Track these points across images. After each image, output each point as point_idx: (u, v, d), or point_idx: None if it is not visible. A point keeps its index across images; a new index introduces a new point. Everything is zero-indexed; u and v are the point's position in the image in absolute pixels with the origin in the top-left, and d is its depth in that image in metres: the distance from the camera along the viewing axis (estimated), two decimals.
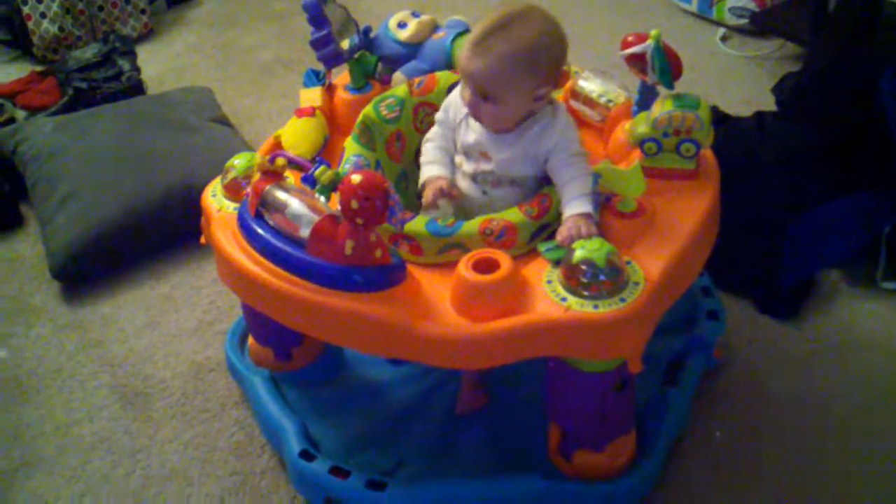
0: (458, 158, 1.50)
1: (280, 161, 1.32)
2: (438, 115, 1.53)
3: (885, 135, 1.85)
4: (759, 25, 2.72)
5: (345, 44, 1.67)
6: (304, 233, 1.24)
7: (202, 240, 1.53)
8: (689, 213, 1.37)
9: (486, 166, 1.44)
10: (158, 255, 2.09)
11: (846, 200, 1.83)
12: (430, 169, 1.49)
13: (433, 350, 1.25)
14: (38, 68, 2.80)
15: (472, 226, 1.34)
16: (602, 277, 1.22)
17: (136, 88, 2.61)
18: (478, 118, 1.42)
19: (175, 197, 2.09)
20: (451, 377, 1.59)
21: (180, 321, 1.93)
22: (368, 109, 1.56)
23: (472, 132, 1.46)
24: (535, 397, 1.44)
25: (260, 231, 1.30)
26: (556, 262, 1.29)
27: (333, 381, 1.64)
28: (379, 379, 1.63)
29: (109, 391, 1.77)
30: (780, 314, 1.81)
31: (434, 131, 1.53)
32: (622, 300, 1.22)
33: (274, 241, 1.28)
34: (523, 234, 1.34)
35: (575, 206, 1.34)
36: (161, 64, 2.95)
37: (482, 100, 1.38)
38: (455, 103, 1.50)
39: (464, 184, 1.48)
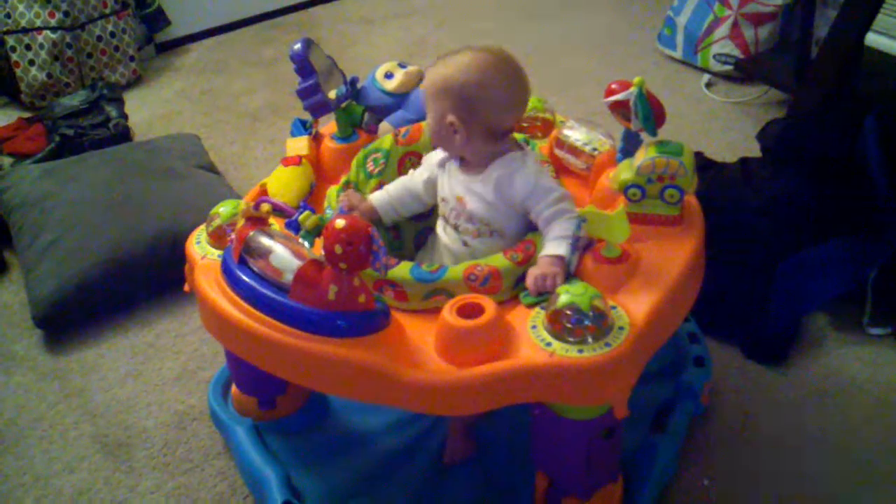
0: (441, 207, 1.51)
1: (265, 207, 1.31)
2: (425, 155, 1.57)
3: (869, 181, 1.86)
4: (744, 72, 2.75)
5: (332, 94, 1.68)
6: (288, 278, 1.24)
7: (186, 287, 1.52)
8: (674, 258, 1.37)
9: (464, 213, 1.45)
10: (143, 302, 2.08)
11: (831, 245, 1.83)
12: (377, 195, 1.55)
13: (417, 396, 1.24)
14: (26, 115, 2.81)
15: (456, 271, 1.33)
16: (587, 322, 1.22)
17: (124, 135, 2.62)
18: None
19: (161, 244, 2.08)
20: (438, 424, 1.58)
21: (164, 369, 1.91)
22: (356, 163, 1.59)
23: (452, 179, 1.48)
24: (521, 444, 1.42)
25: (243, 277, 1.29)
26: (529, 306, 1.30)
27: (318, 429, 1.62)
28: (364, 427, 1.62)
29: (90, 441, 1.75)
30: (766, 359, 1.81)
31: (414, 170, 1.58)
32: (607, 345, 1.22)
33: (257, 286, 1.27)
34: (508, 280, 1.34)
35: (549, 247, 1.35)
36: (149, 110, 2.96)
37: None
38: (439, 150, 1.52)
39: (446, 234, 1.49)
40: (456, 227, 1.47)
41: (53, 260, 2.06)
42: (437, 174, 1.53)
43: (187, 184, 2.29)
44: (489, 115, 1.42)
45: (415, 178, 1.55)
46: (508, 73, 1.42)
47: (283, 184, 1.58)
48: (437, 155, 1.53)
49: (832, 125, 2.00)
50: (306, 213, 1.26)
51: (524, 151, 1.46)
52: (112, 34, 3.04)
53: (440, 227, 1.52)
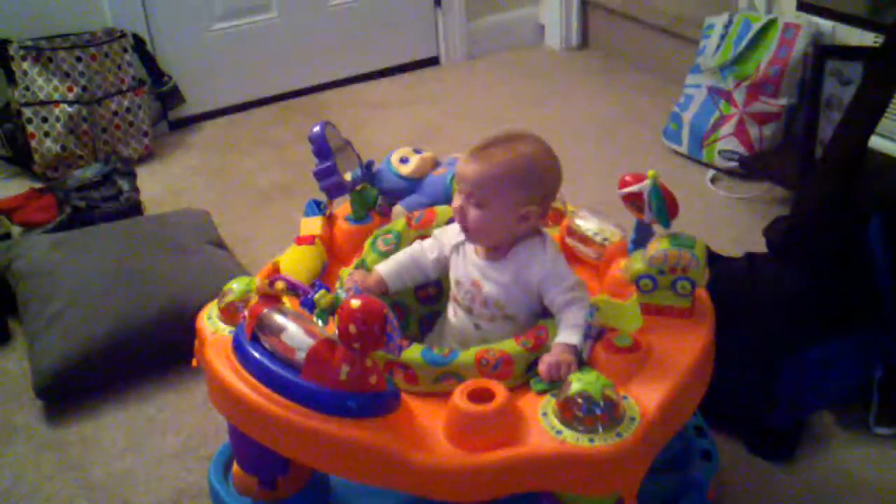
0: (454, 290, 1.51)
1: (279, 285, 1.32)
2: (436, 232, 1.57)
3: (875, 279, 1.88)
4: (749, 169, 2.79)
5: (347, 175, 1.71)
6: (300, 357, 1.24)
7: (194, 362, 1.51)
8: (685, 349, 1.38)
9: (479, 297, 1.46)
10: (146, 376, 2.07)
11: (838, 343, 1.83)
12: (383, 265, 1.54)
13: (425, 481, 1.22)
14: (38, 185, 2.84)
15: (468, 356, 1.33)
16: (598, 411, 1.21)
17: (135, 209, 2.64)
18: (462, 223, 1.45)
19: (167, 318, 2.08)
20: None
21: (164, 445, 1.89)
22: (366, 252, 1.60)
23: (466, 262, 1.49)
24: None
25: (255, 354, 1.29)
26: (540, 392, 1.30)
27: None
28: None
29: None
30: (771, 456, 1.79)
31: (425, 241, 1.57)
32: (618, 435, 1.21)
33: (269, 364, 1.27)
34: (519, 366, 1.34)
35: (563, 336, 1.36)
36: (160, 185, 2.99)
37: (471, 205, 1.42)
38: (451, 231, 1.53)
39: (458, 317, 1.49)
40: (469, 311, 1.48)
41: (58, 331, 2.05)
42: (448, 254, 1.54)
43: (196, 259, 2.30)
44: (552, 199, 1.48)
45: (424, 252, 1.56)
46: (556, 158, 1.48)
47: (295, 263, 1.59)
48: (448, 233, 1.54)
49: (837, 225, 2.02)
50: (322, 291, 1.27)
51: (543, 236, 1.48)
52: (128, 110, 3.09)
53: (451, 309, 1.52)
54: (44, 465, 1.85)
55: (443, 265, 1.56)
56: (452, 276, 1.52)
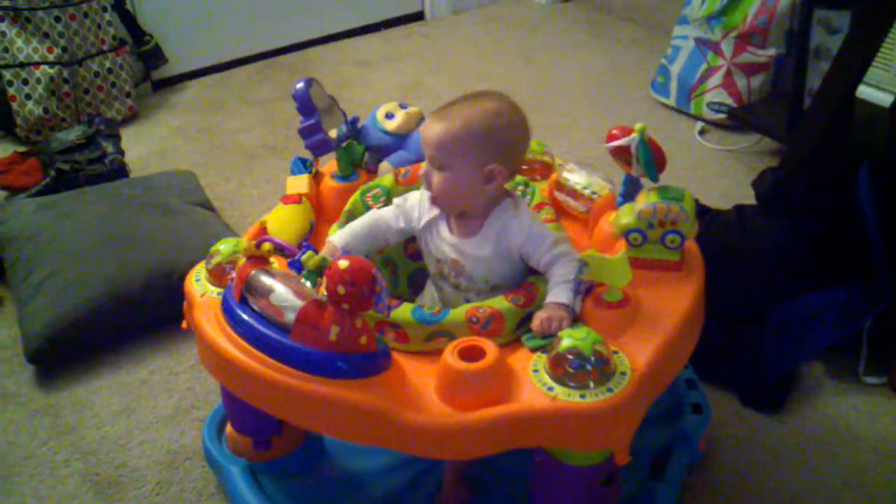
0: (435, 266, 1.49)
1: (266, 246, 1.31)
2: (397, 200, 1.52)
3: (863, 229, 1.88)
4: (737, 121, 2.78)
5: (333, 133, 1.69)
6: (289, 318, 1.23)
7: (184, 324, 1.51)
8: (675, 303, 1.38)
9: (463, 274, 1.45)
10: (137, 339, 2.06)
11: (826, 293, 1.84)
12: (338, 236, 1.48)
13: (417, 439, 1.23)
14: (21, 149, 2.81)
15: (458, 313, 1.33)
16: (589, 367, 1.22)
17: (120, 171, 2.61)
18: (429, 189, 1.42)
19: (155, 280, 2.07)
20: (434, 468, 1.56)
21: (157, 407, 1.89)
22: (356, 198, 1.58)
23: (442, 242, 1.46)
24: (518, 491, 1.41)
25: (244, 316, 1.29)
26: (533, 350, 1.29)
27: (313, 470, 1.60)
28: (360, 469, 1.60)
29: (82, 479, 1.72)
30: (763, 407, 1.81)
31: (384, 211, 1.51)
32: (609, 390, 1.21)
33: (258, 326, 1.27)
34: (510, 323, 1.34)
35: (553, 294, 1.35)
36: (145, 147, 2.96)
37: (434, 168, 1.40)
38: (413, 200, 1.50)
39: (445, 292, 1.49)
40: (457, 287, 1.46)
41: (47, 295, 2.04)
42: (417, 229, 1.49)
43: (183, 220, 2.29)
44: (520, 158, 1.45)
45: (387, 222, 1.50)
46: (521, 112, 1.43)
47: (283, 222, 1.58)
48: (410, 200, 1.50)
49: (825, 175, 2.02)
50: (309, 252, 1.26)
51: (513, 199, 1.46)
52: (109, 70, 3.05)
53: (435, 284, 1.51)
54: (38, 430, 1.85)
55: (407, 235, 1.52)
56: (432, 253, 1.49)
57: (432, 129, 1.39)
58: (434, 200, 1.44)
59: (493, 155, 1.38)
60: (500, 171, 1.39)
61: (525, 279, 1.43)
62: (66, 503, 1.68)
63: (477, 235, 1.43)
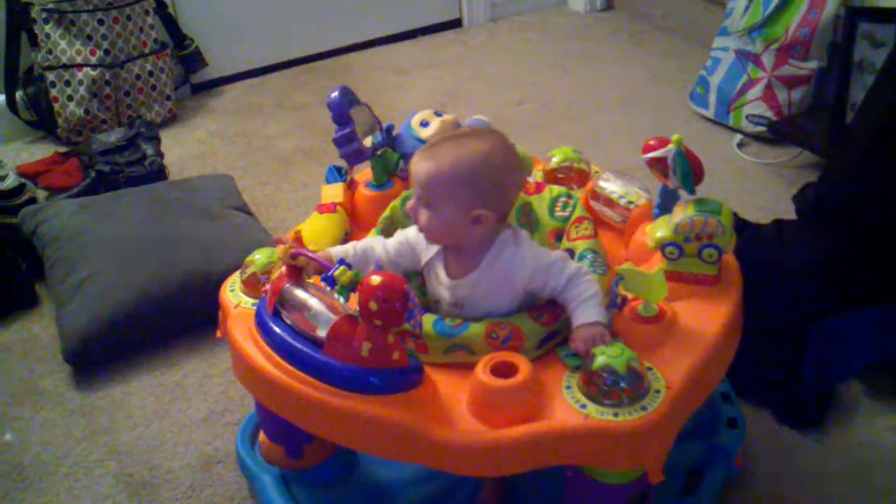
0: (436, 307, 1.46)
1: (301, 259, 1.31)
2: (399, 236, 1.48)
3: None
4: (777, 134, 2.74)
5: (368, 141, 1.69)
6: (322, 333, 1.23)
7: (218, 334, 1.52)
8: (712, 318, 1.36)
9: (464, 315, 1.39)
10: (173, 342, 2.08)
11: (868, 311, 1.81)
12: (340, 249, 1.44)
13: (448, 456, 1.22)
14: (62, 149, 2.85)
15: (478, 328, 1.32)
16: (623, 384, 1.20)
17: (159, 173, 2.64)
18: (416, 223, 1.38)
19: (193, 283, 2.09)
20: (465, 478, 1.56)
21: (191, 410, 1.90)
22: (395, 205, 1.58)
23: (441, 286, 1.43)
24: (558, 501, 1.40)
25: (277, 329, 1.29)
26: (575, 369, 1.28)
27: (345, 481, 1.60)
28: (392, 480, 1.59)
29: (115, 480, 1.74)
30: (799, 425, 1.78)
31: (387, 244, 1.47)
32: (643, 408, 1.20)
33: (290, 340, 1.27)
34: (531, 340, 1.32)
35: (583, 316, 1.31)
36: (183, 149, 2.99)
37: (421, 205, 1.36)
38: (420, 244, 1.46)
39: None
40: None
41: (86, 295, 2.07)
42: (420, 268, 1.47)
43: (221, 224, 2.30)
44: (511, 201, 1.40)
45: (388, 254, 1.45)
46: (514, 152, 1.39)
47: (318, 231, 1.59)
48: (411, 234, 1.46)
49: (868, 191, 1.99)
50: (342, 268, 1.25)
51: (510, 230, 1.40)
52: (150, 73, 3.09)
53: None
54: (73, 430, 1.87)
55: (406, 271, 1.48)
56: (430, 293, 1.46)
57: (420, 167, 1.34)
58: (425, 236, 1.42)
59: (480, 199, 1.32)
60: (487, 217, 1.33)
61: (531, 305, 1.40)
62: (99, 503, 1.70)
63: (474, 272, 1.39)
